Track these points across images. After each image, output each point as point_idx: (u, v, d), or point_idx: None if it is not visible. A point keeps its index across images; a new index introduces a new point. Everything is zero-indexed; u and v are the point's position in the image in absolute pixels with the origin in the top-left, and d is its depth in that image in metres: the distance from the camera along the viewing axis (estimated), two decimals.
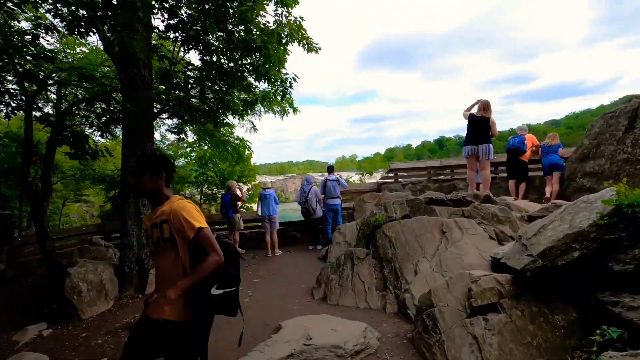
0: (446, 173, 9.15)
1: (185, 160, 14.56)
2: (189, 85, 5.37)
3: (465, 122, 6.51)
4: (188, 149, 13.91)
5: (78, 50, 8.59)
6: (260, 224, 9.20)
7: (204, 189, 14.05)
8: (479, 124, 6.37)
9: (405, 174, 9.27)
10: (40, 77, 5.35)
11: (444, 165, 9.09)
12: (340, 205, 8.18)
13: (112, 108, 4.71)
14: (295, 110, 10.85)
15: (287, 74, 5.64)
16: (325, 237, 8.19)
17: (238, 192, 8.24)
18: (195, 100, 6.23)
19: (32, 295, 5.89)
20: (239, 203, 8.27)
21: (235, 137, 9.20)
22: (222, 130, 8.40)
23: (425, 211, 5.45)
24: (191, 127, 7.69)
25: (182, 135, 6.85)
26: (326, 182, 8.12)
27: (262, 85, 6.85)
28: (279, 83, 5.47)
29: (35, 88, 6.13)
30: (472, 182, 6.52)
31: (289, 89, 5.64)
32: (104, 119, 4.62)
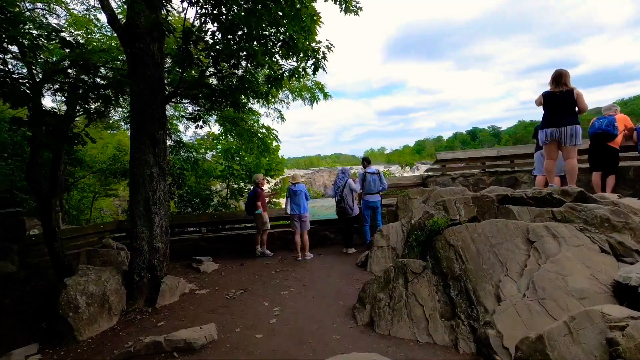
0: (504, 164, 7.78)
1: (211, 153, 13.93)
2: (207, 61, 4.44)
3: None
4: (214, 141, 13.24)
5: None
6: (288, 222, 8.29)
7: (229, 183, 13.36)
8: (560, 100, 5.03)
9: (454, 165, 7.98)
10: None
11: (502, 155, 7.72)
12: (380, 202, 7.07)
13: (101, 82, 3.84)
14: (326, 95, 9.82)
15: (319, 41, 4.58)
16: (363, 238, 7.13)
17: (266, 187, 7.32)
18: (215, 82, 5.32)
19: (38, 303, 5.28)
20: (267, 199, 7.37)
21: (261, 125, 8.29)
22: (247, 119, 7.51)
23: (499, 213, 4.25)
24: (210, 114, 6.84)
25: (200, 123, 5.98)
26: (365, 176, 7.02)
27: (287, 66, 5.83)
28: (310, 52, 4.44)
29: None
30: (553, 175, 5.20)
31: (322, 60, 4.59)
32: (91, 96, 3.77)
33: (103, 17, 8.84)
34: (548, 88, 5.27)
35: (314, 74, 4.69)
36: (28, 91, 4.56)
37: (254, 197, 7.17)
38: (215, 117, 7.69)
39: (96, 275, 4.44)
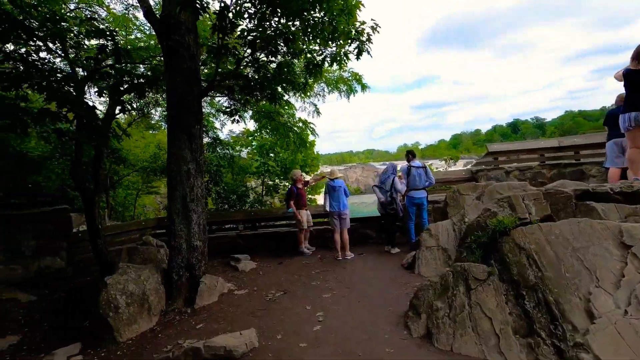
0: (567, 156, 6.94)
1: (247, 150, 13.94)
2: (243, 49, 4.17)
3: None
4: (249, 138, 13.22)
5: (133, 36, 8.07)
6: (325, 219, 7.97)
7: (265, 180, 13.29)
8: None
9: (506, 158, 7.25)
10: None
11: (565, 146, 6.89)
12: (426, 199, 6.55)
13: (132, 72, 3.65)
14: (364, 87, 9.39)
15: (363, 22, 4.16)
16: (407, 237, 6.64)
17: (300, 185, 7.04)
18: (252, 74, 5.07)
19: (82, 300, 5.34)
20: (306, 196, 7.10)
21: (297, 118, 8.00)
22: (283, 113, 7.25)
23: (578, 211, 3.63)
24: (246, 108, 6.65)
25: (237, 118, 5.78)
26: (410, 170, 6.52)
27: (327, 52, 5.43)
28: (353, 35, 4.03)
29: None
30: (638, 166, 4.44)
31: (367, 43, 4.17)
32: (124, 84, 3.60)
33: (141, 15, 8.90)
34: (629, 65, 4.51)
35: (357, 58, 4.29)
36: (72, 90, 4.58)
37: (288, 196, 6.92)
38: (250, 112, 7.51)
39: (136, 274, 4.35)
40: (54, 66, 3.52)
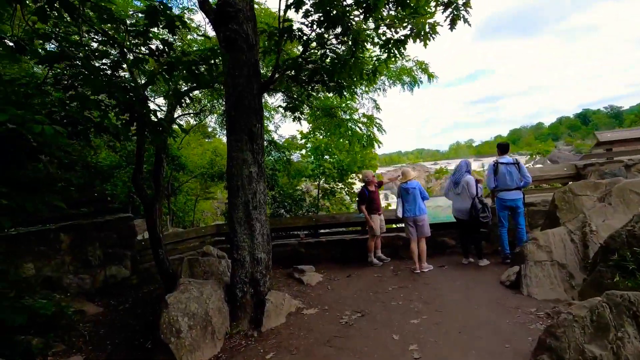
0: None
1: (298, 153, 13.49)
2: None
3: None
4: (302, 140, 12.75)
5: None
6: (395, 225, 7.13)
7: (321, 183, 12.72)
8: None
9: (624, 149, 5.86)
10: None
11: None
12: (522, 201, 5.43)
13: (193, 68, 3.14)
14: (431, 76, 8.42)
15: None
16: (501, 248, 5.58)
17: (372, 188, 6.29)
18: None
19: (146, 315, 5.09)
20: (379, 199, 6.36)
21: (361, 114, 7.26)
22: (346, 108, 6.59)
23: None
24: (308, 102, 6.06)
25: (298, 115, 5.21)
26: (497, 167, 5.47)
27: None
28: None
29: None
30: None
31: (463, 10, 3.32)
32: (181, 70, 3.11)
33: (197, 18, 8.74)
34: None
35: (451, 28, 3.45)
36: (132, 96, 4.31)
37: (360, 199, 6.21)
38: (307, 109, 6.96)
39: (198, 291, 3.90)
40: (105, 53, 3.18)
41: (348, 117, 6.98)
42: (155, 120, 2.64)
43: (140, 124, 2.68)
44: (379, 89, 9.03)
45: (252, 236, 4.38)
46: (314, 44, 4.05)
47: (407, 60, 8.41)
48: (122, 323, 4.87)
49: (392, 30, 3.78)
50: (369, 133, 6.86)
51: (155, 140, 2.82)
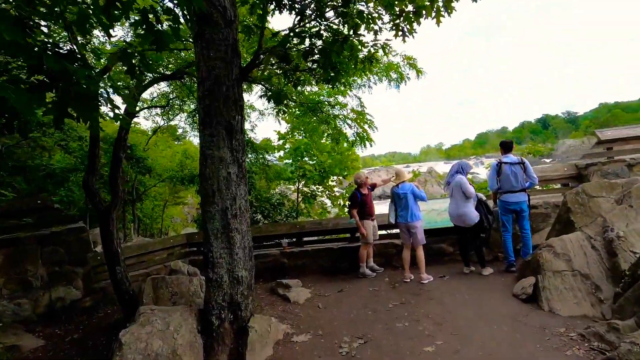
0: None
1: (278, 155, 12.74)
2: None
3: None
4: (280, 141, 12.02)
5: None
6: (389, 231, 6.59)
7: (300, 186, 12.02)
8: None
9: (625, 147, 5.62)
10: None
11: None
12: (527, 204, 5.02)
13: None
14: (419, 72, 7.98)
15: None
16: (505, 254, 5.14)
17: (365, 191, 5.70)
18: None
19: (98, 342, 4.20)
20: (372, 203, 5.76)
21: (350, 109, 6.62)
22: (333, 102, 5.97)
23: None
24: (291, 96, 5.38)
25: (282, 108, 4.53)
26: (501, 167, 5.04)
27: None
28: None
29: None
30: None
31: None
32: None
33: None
34: None
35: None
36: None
37: (351, 204, 5.60)
38: (292, 103, 6.27)
39: (163, 322, 3.11)
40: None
41: (337, 112, 6.35)
42: (85, 86, 1.83)
43: (62, 91, 1.84)
44: (364, 85, 8.50)
45: (231, 250, 3.63)
46: (309, 15, 3.37)
47: (394, 55, 7.94)
48: None
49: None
50: (360, 130, 6.25)
51: (83, 116, 1.96)
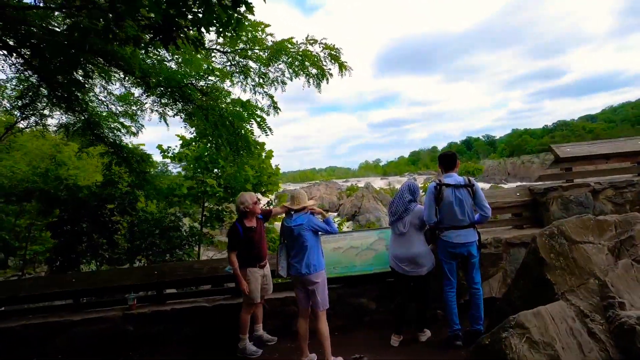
0: None
1: (181, 164, 10.24)
2: None
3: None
4: (181, 149, 9.59)
5: None
6: (281, 280, 4.66)
7: (206, 205, 9.65)
8: None
9: (590, 167, 4.47)
10: None
11: None
12: (476, 246, 3.48)
13: None
14: (343, 67, 6.34)
15: None
16: (448, 318, 3.51)
17: (251, 222, 3.75)
18: None
19: None
20: (264, 239, 3.85)
21: (229, 100, 4.51)
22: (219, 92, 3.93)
23: None
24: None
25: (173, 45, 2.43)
26: (441, 191, 3.44)
27: None
28: None
29: None
30: None
31: None
32: None
33: None
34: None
35: None
36: None
37: (230, 242, 3.62)
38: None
39: None
40: None
41: (221, 104, 4.17)
42: None
43: None
44: (276, 80, 6.67)
45: None
46: None
47: (311, 43, 6.23)
48: None
49: None
50: (238, 126, 4.15)
51: None
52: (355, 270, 4.21)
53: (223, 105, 4.37)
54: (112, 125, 6.17)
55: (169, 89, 3.79)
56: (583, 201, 4.08)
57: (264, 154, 10.07)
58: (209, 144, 6.88)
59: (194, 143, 9.51)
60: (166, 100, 4.31)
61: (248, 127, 4.68)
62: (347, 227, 21.02)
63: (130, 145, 7.13)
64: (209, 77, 3.59)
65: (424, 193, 4.14)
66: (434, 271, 3.57)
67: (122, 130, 6.41)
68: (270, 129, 4.67)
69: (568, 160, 4.28)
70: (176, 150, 9.89)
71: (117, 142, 6.35)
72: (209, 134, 4.80)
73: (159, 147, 9.73)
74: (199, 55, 4.50)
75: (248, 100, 4.64)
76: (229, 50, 6.00)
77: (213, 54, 6.15)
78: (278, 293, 4.19)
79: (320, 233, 3.41)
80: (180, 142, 9.98)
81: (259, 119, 4.50)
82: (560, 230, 2.83)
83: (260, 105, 5.40)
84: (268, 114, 6.71)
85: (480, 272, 3.55)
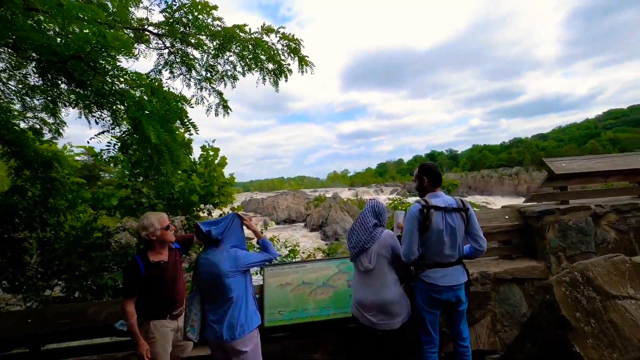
0: None
1: (116, 169, 8.80)
2: None
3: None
4: (109, 152, 8.19)
5: None
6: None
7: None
8: None
9: (584, 186, 3.79)
10: None
11: None
12: (464, 290, 2.61)
13: None
14: (304, 62, 5.50)
15: None
16: None
17: (160, 256, 2.66)
18: None
19: None
20: (181, 278, 2.78)
21: (144, 74, 3.35)
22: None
23: None
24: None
25: None
26: (428, 214, 2.54)
27: None
28: None
29: None
30: None
31: None
32: None
33: None
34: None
35: None
36: None
37: (126, 284, 2.53)
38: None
39: None
40: None
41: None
42: None
43: None
44: (226, 75, 5.67)
45: None
46: None
47: (267, 33, 5.31)
48: None
49: None
50: (156, 130, 3.10)
51: None
52: (308, 316, 3.20)
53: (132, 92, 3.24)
54: (15, 121, 4.83)
55: (46, 62, 2.65)
56: (583, 227, 3.37)
57: (216, 161, 8.90)
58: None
59: (133, 147, 8.16)
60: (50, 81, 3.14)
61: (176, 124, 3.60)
62: (311, 246, 19.98)
63: (46, 146, 5.76)
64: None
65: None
66: (410, 320, 2.67)
67: (23, 126, 5.10)
68: (194, 126, 3.60)
69: (563, 177, 3.58)
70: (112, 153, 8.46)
71: (22, 139, 5.01)
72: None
73: (90, 149, 8.25)
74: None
75: (178, 94, 3.58)
76: (165, 33, 4.91)
77: (146, 37, 5.03)
78: (201, 349, 3.08)
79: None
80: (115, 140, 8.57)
81: (178, 110, 3.41)
82: (587, 278, 2.01)
83: (188, 98, 4.35)
84: (217, 114, 5.73)
85: (467, 327, 2.68)
